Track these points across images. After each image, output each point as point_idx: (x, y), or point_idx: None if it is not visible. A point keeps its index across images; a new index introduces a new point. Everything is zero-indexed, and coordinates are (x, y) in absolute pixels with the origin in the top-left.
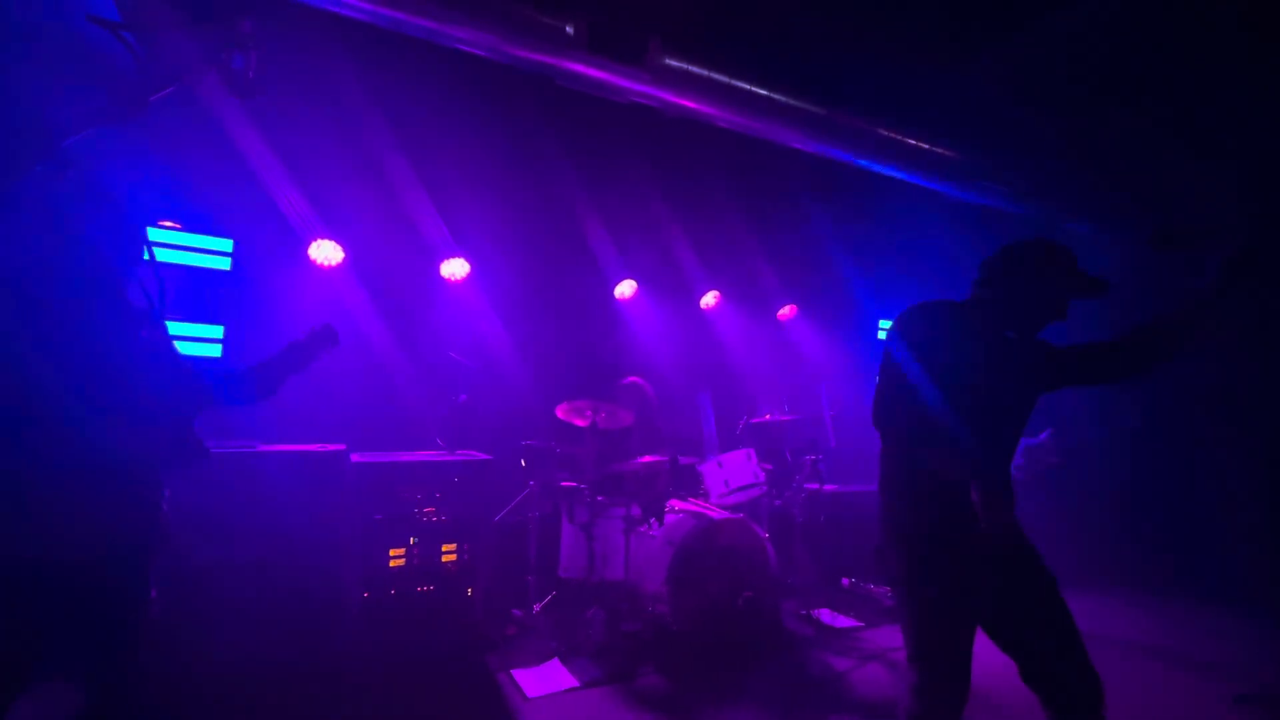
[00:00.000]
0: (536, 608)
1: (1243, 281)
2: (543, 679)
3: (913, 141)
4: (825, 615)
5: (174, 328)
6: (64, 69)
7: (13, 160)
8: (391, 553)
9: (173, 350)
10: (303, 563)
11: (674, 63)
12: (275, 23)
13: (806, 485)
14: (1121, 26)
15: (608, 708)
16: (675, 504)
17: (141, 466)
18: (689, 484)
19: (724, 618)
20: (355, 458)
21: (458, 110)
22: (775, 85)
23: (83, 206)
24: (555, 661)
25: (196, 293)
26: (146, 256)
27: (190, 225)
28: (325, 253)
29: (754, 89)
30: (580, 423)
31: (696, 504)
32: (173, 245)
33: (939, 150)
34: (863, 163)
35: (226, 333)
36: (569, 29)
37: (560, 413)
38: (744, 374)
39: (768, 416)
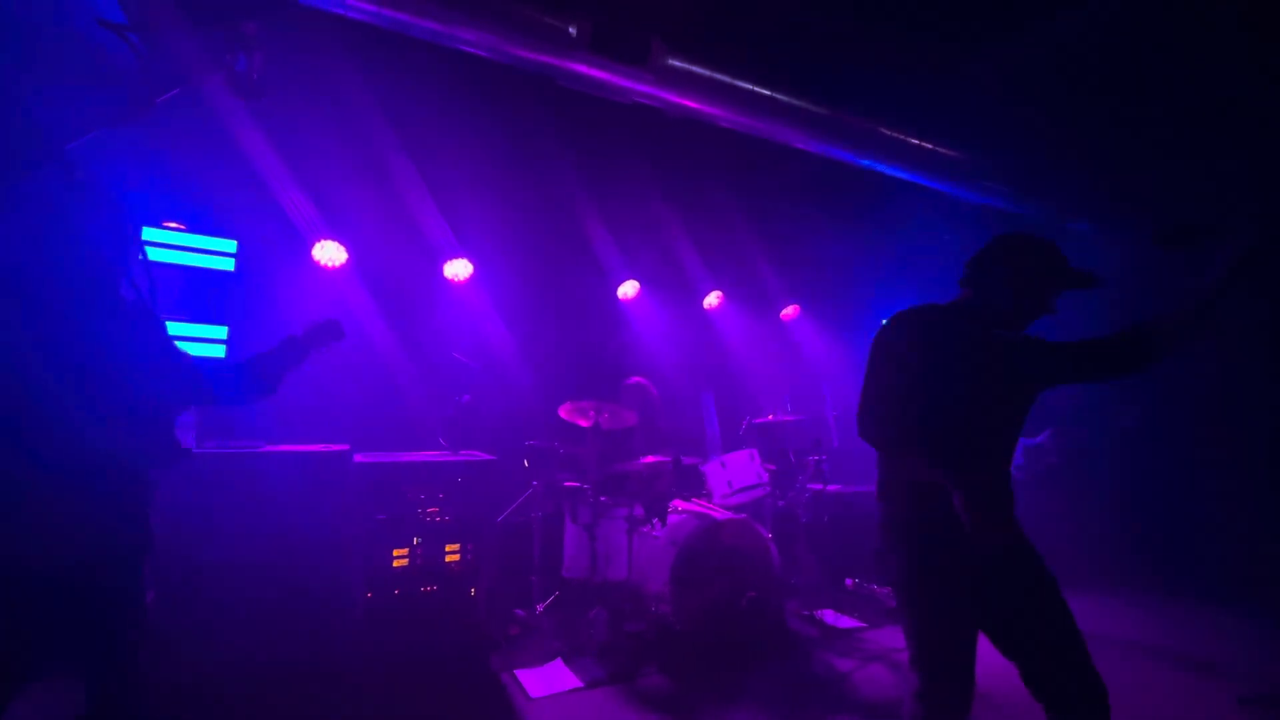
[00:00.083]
0: (540, 608)
1: (1245, 282)
2: (546, 679)
3: (915, 141)
4: (828, 616)
5: (178, 328)
6: (69, 71)
7: (17, 161)
8: (395, 553)
9: (171, 346)
10: (306, 563)
11: (676, 63)
12: (279, 24)
13: (810, 485)
14: (1121, 26)
15: (611, 708)
16: (678, 504)
17: (136, 466)
18: (692, 484)
19: (727, 618)
20: (359, 458)
21: (460, 111)
22: (778, 85)
23: (84, 207)
24: (558, 661)
25: (200, 293)
26: (141, 257)
27: (194, 226)
28: (329, 253)
29: (756, 89)
30: (583, 423)
31: (699, 504)
32: (177, 246)
33: (941, 150)
34: (865, 162)
35: (230, 333)
36: (571, 30)
37: (563, 413)
38: (747, 374)
39: (771, 417)
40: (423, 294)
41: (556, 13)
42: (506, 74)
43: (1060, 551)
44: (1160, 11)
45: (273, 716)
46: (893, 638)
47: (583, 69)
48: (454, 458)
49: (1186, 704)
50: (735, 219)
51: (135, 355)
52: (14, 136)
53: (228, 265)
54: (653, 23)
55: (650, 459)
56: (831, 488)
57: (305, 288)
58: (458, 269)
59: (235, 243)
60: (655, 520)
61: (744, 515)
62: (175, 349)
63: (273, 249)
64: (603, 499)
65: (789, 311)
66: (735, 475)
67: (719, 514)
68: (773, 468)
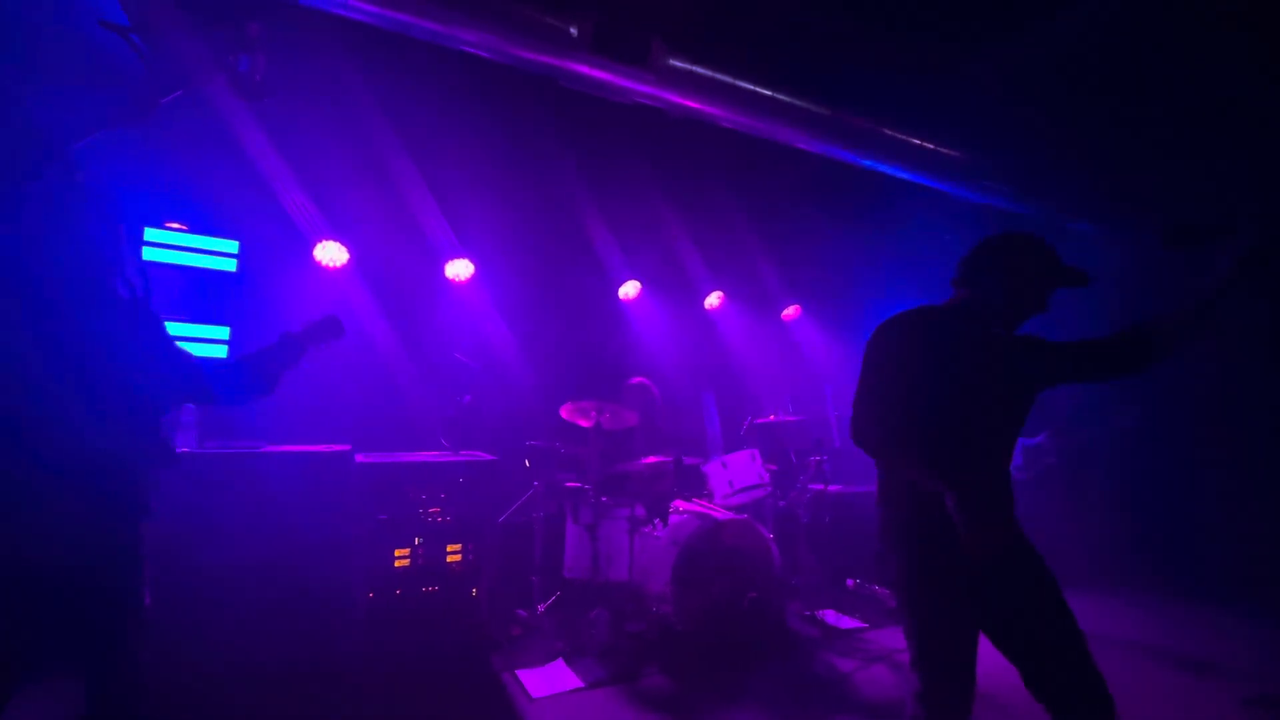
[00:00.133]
0: (541, 608)
1: (1246, 282)
2: (547, 679)
3: (916, 141)
4: (830, 616)
5: (180, 329)
6: (72, 73)
7: (21, 163)
8: (396, 553)
9: (172, 346)
10: (308, 563)
11: (678, 63)
12: (282, 26)
13: (811, 486)
14: (1121, 26)
15: (612, 708)
16: (680, 504)
17: (137, 466)
18: (693, 485)
19: (728, 618)
20: (360, 458)
21: (461, 112)
22: (779, 85)
23: (84, 207)
24: (560, 662)
25: (202, 294)
26: (137, 256)
27: (196, 226)
28: (330, 254)
29: (757, 89)
30: (584, 423)
31: (701, 505)
32: (179, 246)
33: (941, 150)
34: (866, 162)
35: (232, 334)
36: (573, 30)
37: (564, 413)
38: (748, 374)
39: (772, 417)
40: (424, 294)
41: (557, 13)
42: (507, 74)
43: (1060, 551)
44: (1160, 11)
45: (274, 717)
46: (894, 638)
47: (584, 69)
48: (455, 458)
49: (1188, 704)
50: (736, 219)
51: (136, 355)
52: (17, 138)
53: (230, 266)
54: (653, 23)
55: (651, 459)
56: (833, 488)
57: (307, 288)
58: (459, 269)
59: (237, 243)
60: (657, 520)
61: (745, 515)
62: (176, 348)
63: (275, 249)
64: (604, 499)
65: (790, 311)
66: (736, 475)
67: (720, 514)
68: (774, 468)
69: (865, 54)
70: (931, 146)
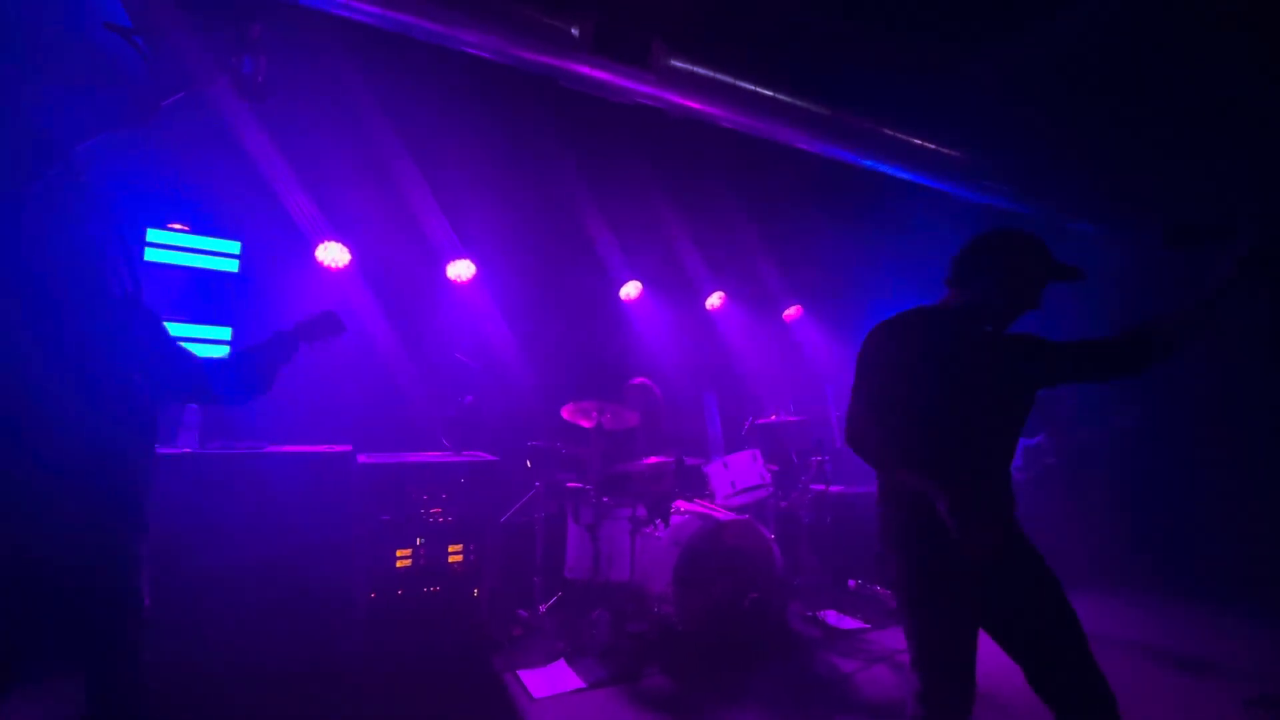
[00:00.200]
0: (542, 608)
1: (1248, 282)
2: (548, 680)
3: (917, 141)
4: (831, 617)
5: (182, 329)
6: (74, 74)
7: (22, 164)
8: (398, 553)
9: (173, 345)
10: (309, 563)
11: (678, 63)
12: (283, 27)
13: (813, 486)
14: (1121, 26)
15: (613, 708)
16: (681, 505)
17: (136, 465)
18: (695, 485)
19: (730, 619)
20: (362, 459)
21: (462, 112)
22: (779, 86)
23: (86, 207)
24: (561, 662)
25: (204, 294)
26: (132, 256)
27: (198, 227)
28: (332, 254)
29: (758, 89)
30: (586, 423)
31: (702, 505)
32: (181, 247)
33: (942, 150)
34: (867, 163)
35: (234, 334)
36: (573, 30)
37: (566, 413)
38: (749, 375)
39: (773, 417)
40: (425, 294)
41: (558, 14)
42: (508, 75)
43: (1060, 551)
44: (1160, 11)
45: (274, 717)
46: (895, 639)
47: (584, 70)
48: (457, 458)
49: (1188, 704)
50: (737, 219)
51: (136, 355)
52: (18, 139)
53: (232, 266)
54: (654, 23)
55: (653, 460)
56: (834, 488)
57: (309, 289)
58: (460, 269)
59: (239, 244)
60: (658, 521)
61: (747, 516)
62: (177, 347)
63: (276, 250)
64: (605, 499)
65: (791, 312)
66: (738, 476)
67: (722, 515)
68: (775, 468)
69: (865, 54)
70: (932, 146)
